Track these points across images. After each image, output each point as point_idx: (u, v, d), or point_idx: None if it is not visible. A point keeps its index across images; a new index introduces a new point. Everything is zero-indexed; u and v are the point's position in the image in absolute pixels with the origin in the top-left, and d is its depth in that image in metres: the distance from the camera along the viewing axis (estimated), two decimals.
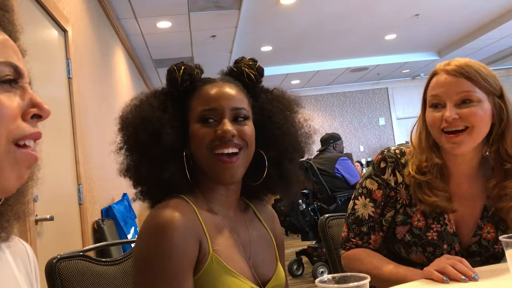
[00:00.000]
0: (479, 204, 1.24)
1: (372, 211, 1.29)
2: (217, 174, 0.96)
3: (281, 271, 1.07)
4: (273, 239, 1.11)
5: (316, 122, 9.98)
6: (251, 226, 1.06)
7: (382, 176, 1.28)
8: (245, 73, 1.05)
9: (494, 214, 1.23)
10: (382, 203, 1.29)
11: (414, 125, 1.30)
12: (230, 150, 0.95)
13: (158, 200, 0.97)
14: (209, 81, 1.03)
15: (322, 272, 4.40)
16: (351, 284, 0.73)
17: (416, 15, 5.94)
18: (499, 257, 1.23)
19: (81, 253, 1.15)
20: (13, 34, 0.65)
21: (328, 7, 5.32)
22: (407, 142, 1.51)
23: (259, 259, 1.02)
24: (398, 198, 1.28)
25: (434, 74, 1.22)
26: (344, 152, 5.36)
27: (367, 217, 1.30)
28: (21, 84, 0.62)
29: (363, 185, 1.32)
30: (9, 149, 0.57)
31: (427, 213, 1.23)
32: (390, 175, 1.28)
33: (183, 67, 1.00)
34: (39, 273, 0.76)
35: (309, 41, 6.68)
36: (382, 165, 1.29)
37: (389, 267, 1.18)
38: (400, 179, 1.27)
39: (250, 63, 1.07)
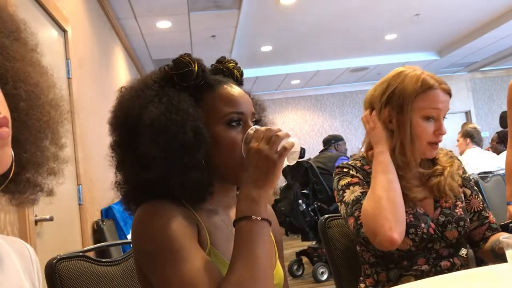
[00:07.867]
0: (428, 185, 1.40)
1: (361, 190, 1.34)
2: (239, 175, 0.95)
3: (279, 269, 1.05)
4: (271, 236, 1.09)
5: (317, 122, 9.98)
6: None
7: (350, 173, 1.39)
8: (235, 75, 1.04)
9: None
10: (365, 183, 1.36)
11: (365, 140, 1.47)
12: None
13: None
14: (222, 80, 0.99)
15: (322, 273, 4.40)
16: None
17: (416, 15, 5.94)
18: (464, 219, 1.36)
19: (81, 254, 1.15)
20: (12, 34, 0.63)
21: (328, 7, 5.31)
22: None
23: None
24: None
25: (430, 87, 1.32)
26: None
27: (360, 194, 1.32)
28: None
29: (339, 187, 1.38)
30: None
31: None
32: (356, 173, 1.39)
33: (196, 61, 0.96)
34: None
35: (309, 41, 6.67)
36: (345, 169, 1.41)
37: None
38: (363, 176, 1.39)
39: (235, 64, 1.05)
